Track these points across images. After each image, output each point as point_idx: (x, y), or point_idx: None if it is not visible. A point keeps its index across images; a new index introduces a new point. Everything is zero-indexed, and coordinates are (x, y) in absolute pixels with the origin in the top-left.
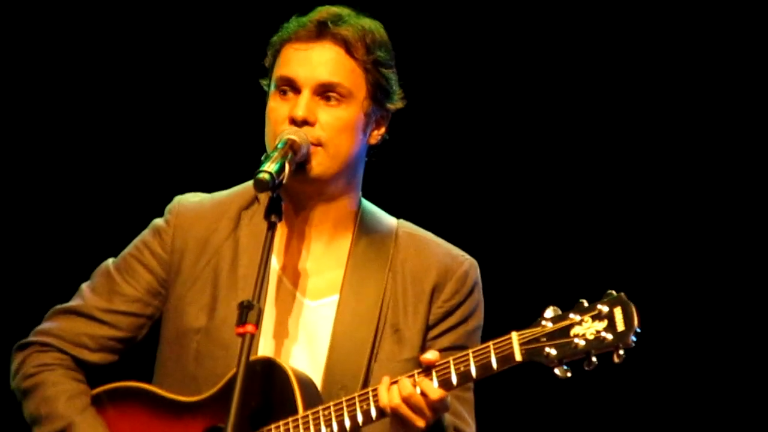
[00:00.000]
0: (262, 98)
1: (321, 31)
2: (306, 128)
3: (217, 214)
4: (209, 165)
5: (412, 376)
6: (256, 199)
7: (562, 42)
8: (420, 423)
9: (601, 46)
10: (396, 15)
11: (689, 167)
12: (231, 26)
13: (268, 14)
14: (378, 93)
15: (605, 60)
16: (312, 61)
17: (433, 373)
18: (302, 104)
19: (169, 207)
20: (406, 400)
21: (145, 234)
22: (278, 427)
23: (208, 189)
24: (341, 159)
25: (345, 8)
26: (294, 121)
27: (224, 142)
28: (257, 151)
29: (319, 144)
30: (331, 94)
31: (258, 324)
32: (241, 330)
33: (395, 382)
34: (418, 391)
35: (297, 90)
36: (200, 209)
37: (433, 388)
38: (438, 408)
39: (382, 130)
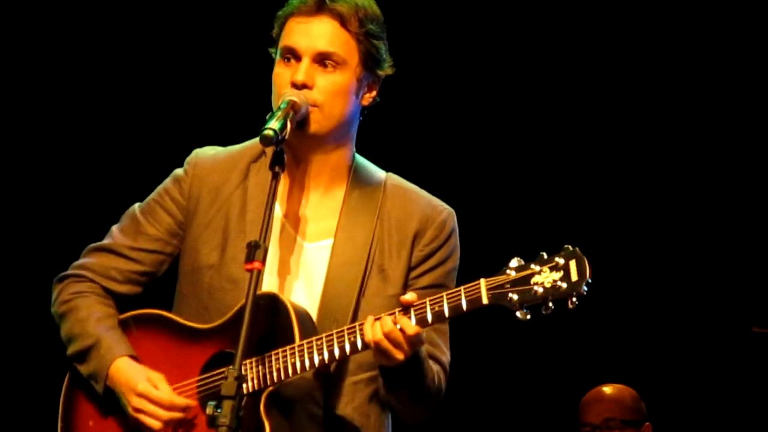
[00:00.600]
0: (271, 65)
1: (320, 7)
2: (305, 91)
3: (229, 166)
4: (226, 121)
5: (393, 314)
6: (263, 153)
7: (543, 19)
8: (399, 356)
9: (573, 25)
10: None
11: (647, 138)
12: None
13: None
14: (369, 61)
15: (573, 34)
16: (311, 32)
17: (411, 312)
18: (302, 70)
19: (188, 158)
20: (387, 335)
21: (167, 182)
22: (277, 353)
23: (225, 143)
24: (336, 118)
25: None
26: (295, 85)
27: (238, 101)
28: (266, 110)
29: (315, 105)
30: (327, 61)
31: (264, 261)
32: (248, 266)
33: (378, 319)
34: (398, 327)
35: (298, 58)
36: (215, 161)
37: (410, 324)
38: (415, 342)
39: (374, 93)
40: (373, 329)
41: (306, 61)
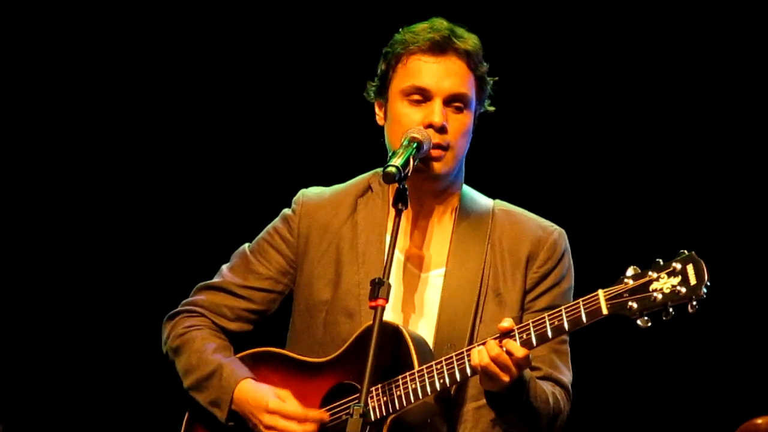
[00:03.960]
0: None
1: (446, 45)
2: (431, 132)
3: (336, 202)
4: (325, 164)
5: (498, 338)
6: (369, 188)
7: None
8: (505, 378)
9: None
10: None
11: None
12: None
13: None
14: (483, 99)
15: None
16: (443, 73)
17: (516, 335)
18: (439, 112)
19: (295, 198)
20: (495, 359)
21: (276, 222)
22: (397, 380)
23: (326, 183)
24: (460, 158)
25: (444, 20)
26: (431, 126)
27: (338, 146)
28: (369, 151)
29: (447, 148)
30: (456, 103)
31: (387, 298)
32: (373, 303)
33: (483, 344)
34: (504, 350)
35: (428, 98)
36: (321, 199)
37: (517, 347)
38: (522, 365)
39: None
40: (480, 354)
41: (438, 102)
